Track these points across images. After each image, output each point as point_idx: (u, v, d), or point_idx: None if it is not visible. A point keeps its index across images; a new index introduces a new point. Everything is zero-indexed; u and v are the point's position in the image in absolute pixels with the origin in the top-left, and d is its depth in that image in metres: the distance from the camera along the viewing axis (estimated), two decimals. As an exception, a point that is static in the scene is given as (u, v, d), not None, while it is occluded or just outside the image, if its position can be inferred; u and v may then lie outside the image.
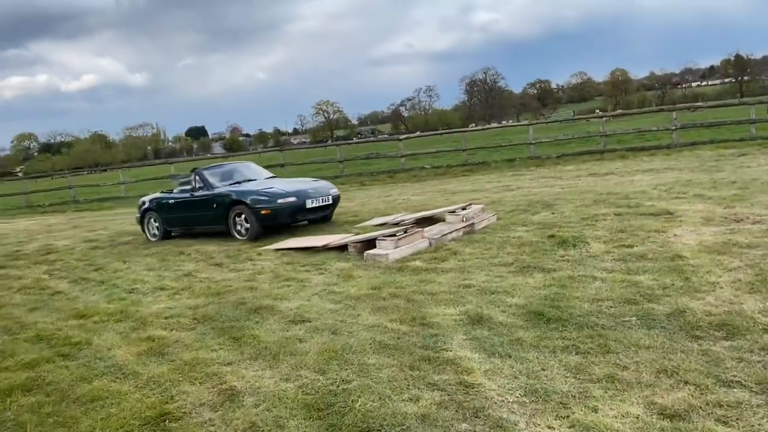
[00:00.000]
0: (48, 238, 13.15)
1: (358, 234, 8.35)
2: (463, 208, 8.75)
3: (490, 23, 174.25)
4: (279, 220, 8.92)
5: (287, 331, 4.85)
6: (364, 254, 7.38)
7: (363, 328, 4.69)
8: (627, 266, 5.71)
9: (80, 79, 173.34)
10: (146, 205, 10.86)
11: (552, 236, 7.31)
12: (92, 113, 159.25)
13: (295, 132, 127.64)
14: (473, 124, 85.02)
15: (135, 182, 22.00)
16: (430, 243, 7.65)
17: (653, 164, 14.18)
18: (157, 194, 11.03)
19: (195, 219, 9.97)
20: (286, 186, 9.35)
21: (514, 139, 20.62)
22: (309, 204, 9.03)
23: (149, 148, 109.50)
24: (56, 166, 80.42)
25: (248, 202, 8.91)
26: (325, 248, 8.04)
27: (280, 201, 8.81)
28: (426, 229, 8.18)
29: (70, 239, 12.40)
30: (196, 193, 9.91)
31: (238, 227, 9.19)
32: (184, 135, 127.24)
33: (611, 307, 4.58)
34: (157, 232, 10.66)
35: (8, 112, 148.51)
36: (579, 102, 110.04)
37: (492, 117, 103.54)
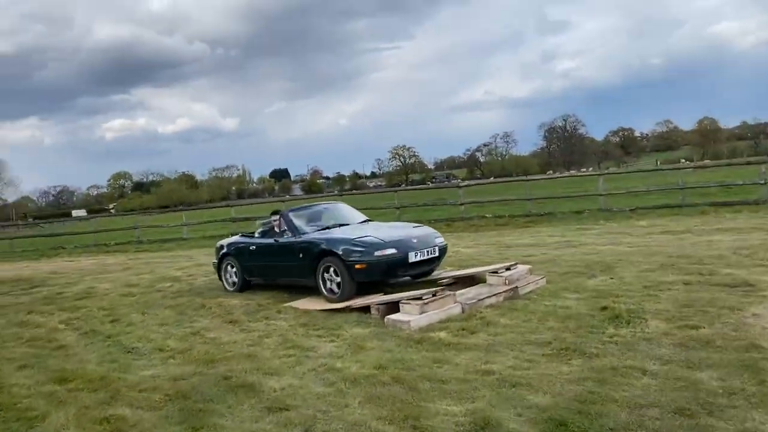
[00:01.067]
0: (94, 281, 12.97)
1: (385, 293, 7.54)
2: (507, 269, 7.80)
3: (571, 70, 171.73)
4: (375, 276, 7.49)
5: (256, 422, 4.07)
6: (385, 319, 6.55)
7: (342, 427, 3.85)
8: (687, 356, 4.65)
9: (176, 123, 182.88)
10: (224, 250, 9.50)
11: (605, 308, 6.28)
12: (185, 154, 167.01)
13: (373, 175, 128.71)
14: (550, 171, 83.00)
15: (197, 224, 22.01)
16: (462, 309, 6.75)
17: (737, 222, 12.71)
18: (236, 237, 9.73)
19: (279, 269, 8.59)
20: (385, 234, 7.77)
21: (590, 189, 19.24)
22: (412, 257, 7.53)
23: (233, 188, 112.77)
24: (144, 204, 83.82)
25: (340, 253, 7.47)
26: (348, 309, 7.26)
27: (377, 253, 7.33)
28: (461, 291, 7.29)
29: (112, 283, 12.15)
30: (281, 239, 8.50)
31: (328, 284, 7.70)
32: (268, 177, 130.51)
33: (656, 419, 3.57)
34: (235, 279, 9.28)
35: (110, 152, 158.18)
36: (664, 151, 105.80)
37: (572, 164, 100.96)
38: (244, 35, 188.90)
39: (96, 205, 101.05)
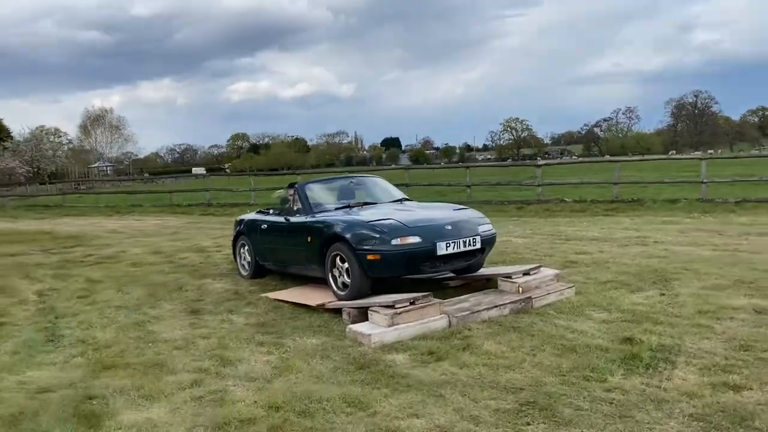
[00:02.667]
0: (134, 244, 12.60)
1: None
2: (527, 273, 6.29)
3: (711, 43, 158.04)
4: (392, 271, 5.91)
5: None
6: (347, 329, 5.31)
7: None
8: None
9: (295, 87, 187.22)
10: (239, 227, 8.19)
11: (628, 340, 4.73)
12: (301, 119, 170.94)
13: (485, 148, 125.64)
14: (673, 151, 76.88)
15: (265, 189, 21.43)
16: (450, 322, 5.37)
17: None
18: (254, 214, 8.29)
19: (287, 254, 7.13)
20: (412, 217, 6.14)
21: (711, 174, 16.47)
22: (442, 248, 5.83)
23: (342, 155, 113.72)
24: (254, 165, 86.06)
25: (349, 238, 5.91)
26: (322, 308, 6.06)
27: (395, 242, 5.69)
28: (455, 299, 5.89)
29: (144, 248, 11.66)
30: (292, 218, 7.04)
31: (337, 277, 6.17)
32: (379, 145, 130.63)
33: None
34: (247, 264, 7.97)
35: (234, 113, 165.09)
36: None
37: (700, 144, 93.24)
38: (366, 2, 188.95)
39: (215, 164, 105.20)
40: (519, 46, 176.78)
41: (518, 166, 29.15)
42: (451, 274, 6.82)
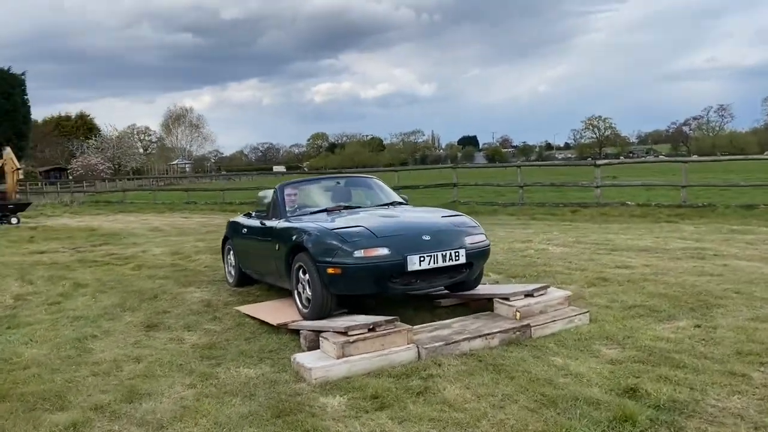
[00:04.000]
0: (162, 243, 12.26)
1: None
2: (530, 294, 5.23)
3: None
4: (356, 288, 5.02)
5: None
6: (291, 359, 4.45)
7: None
8: None
9: (376, 87, 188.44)
10: (227, 230, 7.52)
11: (632, 391, 3.68)
12: (380, 119, 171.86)
13: (566, 147, 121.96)
14: (769, 152, 71.47)
15: None
16: (419, 353, 4.42)
17: None
18: (241, 216, 7.46)
19: (261, 262, 6.37)
20: (384, 224, 5.27)
21: None
22: (414, 263, 4.86)
23: (417, 154, 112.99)
24: (329, 164, 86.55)
25: (310, 248, 5.09)
26: (285, 328, 5.24)
27: (358, 253, 4.84)
28: (432, 325, 4.93)
29: (166, 249, 11.25)
30: (267, 222, 6.23)
31: (301, 292, 5.33)
32: (456, 143, 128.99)
33: None
34: (233, 271, 7.22)
35: (316, 113, 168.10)
36: None
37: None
38: (449, 0, 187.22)
39: (295, 162, 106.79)
40: (606, 42, 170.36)
41: (572, 165, 27.29)
42: (446, 291, 5.84)
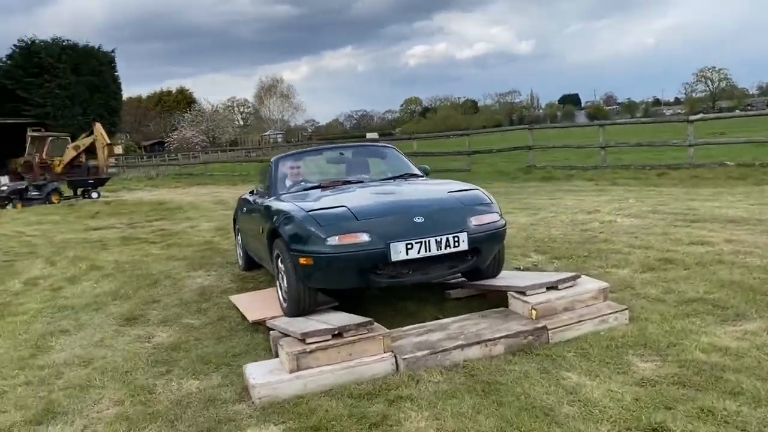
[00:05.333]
0: (215, 218, 11.94)
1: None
2: (553, 287, 4.21)
3: None
4: (331, 281, 4.23)
5: None
6: (244, 368, 3.70)
7: None
8: None
9: (473, 47, 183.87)
10: (236, 208, 6.80)
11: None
12: (476, 80, 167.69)
13: (676, 102, 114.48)
14: None
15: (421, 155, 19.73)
16: (396, 365, 3.57)
17: None
18: (248, 193, 6.49)
19: (256, 246, 5.58)
20: (372, 203, 4.38)
21: None
22: (399, 251, 3.95)
23: (514, 115, 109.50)
24: (420, 129, 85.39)
25: (282, 234, 4.29)
26: (262, 325, 4.51)
27: (331, 241, 3.99)
28: (414, 329, 4.02)
29: (218, 223, 10.95)
30: (259, 200, 5.53)
31: (281, 283, 4.54)
32: (557, 102, 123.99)
33: None
34: (241, 252, 6.57)
35: (410, 78, 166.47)
36: None
37: None
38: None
39: (389, 128, 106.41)
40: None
41: (661, 123, 24.77)
42: (462, 279, 4.89)
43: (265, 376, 3.46)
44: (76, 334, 4.82)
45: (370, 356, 3.60)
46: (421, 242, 3.98)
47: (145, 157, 43.48)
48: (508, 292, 4.28)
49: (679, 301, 4.36)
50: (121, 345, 4.47)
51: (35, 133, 30.83)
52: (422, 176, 5.55)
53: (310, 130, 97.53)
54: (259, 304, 4.96)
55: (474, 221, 4.22)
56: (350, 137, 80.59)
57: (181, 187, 22.05)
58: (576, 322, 3.93)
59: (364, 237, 3.98)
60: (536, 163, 15.57)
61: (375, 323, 3.80)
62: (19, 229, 12.84)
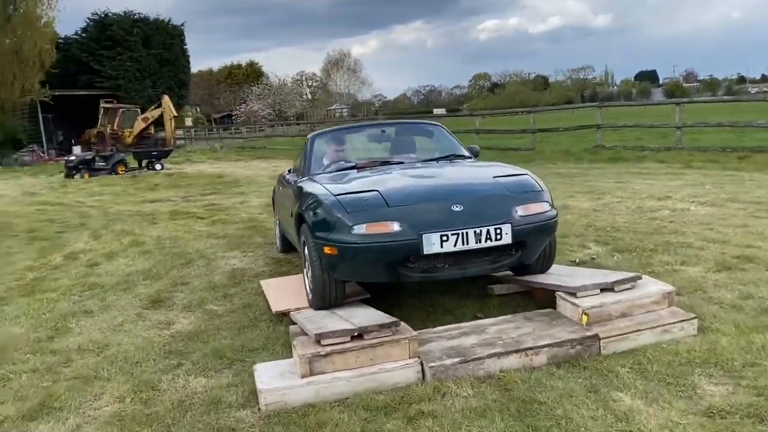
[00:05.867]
0: (268, 194, 11.74)
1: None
2: (609, 288, 3.69)
3: None
4: (360, 274, 3.83)
5: None
6: (254, 368, 3.37)
7: None
8: None
9: (546, 22, 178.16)
10: (275, 186, 6.53)
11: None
12: (549, 55, 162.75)
13: (762, 79, 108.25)
14: None
15: (485, 132, 18.86)
16: (423, 373, 3.16)
17: None
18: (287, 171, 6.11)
19: (287, 229, 5.27)
20: (408, 187, 3.93)
21: None
22: (433, 243, 3.50)
23: (586, 92, 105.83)
24: (487, 105, 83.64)
25: (308, 219, 3.93)
26: (281, 315, 4.19)
27: (358, 229, 3.57)
28: (448, 330, 3.59)
29: (269, 199, 10.68)
30: (293, 179, 5.18)
31: (306, 272, 4.16)
32: (632, 79, 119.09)
33: None
34: (278, 233, 6.22)
35: (480, 53, 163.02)
36: None
37: None
38: None
39: (457, 104, 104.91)
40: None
41: (745, 101, 22.99)
42: (509, 273, 4.40)
43: (274, 381, 3.12)
44: (98, 315, 4.62)
45: (393, 362, 3.21)
46: (458, 234, 3.52)
47: (215, 129, 44.13)
48: (557, 293, 3.78)
49: (759, 310, 3.77)
50: (139, 331, 4.23)
51: (107, 105, 31.73)
52: (470, 158, 5.06)
53: (377, 105, 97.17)
54: (288, 292, 4.63)
55: (520, 211, 3.72)
56: (417, 113, 79.63)
57: (242, 161, 22.11)
58: (633, 332, 3.41)
59: (395, 226, 3.56)
60: (604, 143, 14.69)
61: (402, 324, 3.39)
62: (79, 200, 13.03)
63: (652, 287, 3.74)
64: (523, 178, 4.07)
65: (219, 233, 7.52)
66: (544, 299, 4.02)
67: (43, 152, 30.01)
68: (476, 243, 3.54)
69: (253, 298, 4.75)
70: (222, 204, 10.57)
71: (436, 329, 3.63)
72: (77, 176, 18.46)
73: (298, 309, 4.09)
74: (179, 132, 34.76)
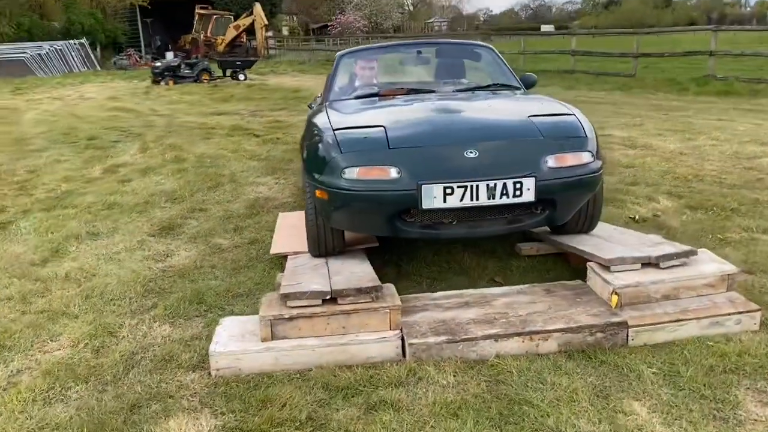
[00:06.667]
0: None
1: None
2: (653, 263, 3.00)
3: None
4: (352, 224, 3.31)
5: None
6: (219, 322, 2.98)
7: None
8: None
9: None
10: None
11: None
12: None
13: None
14: None
15: (534, 53, 17.66)
16: (403, 349, 2.69)
17: None
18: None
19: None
20: (415, 122, 3.40)
21: None
22: (431, 196, 2.89)
23: (713, 13, 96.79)
24: (599, 23, 78.34)
25: (304, 157, 3.52)
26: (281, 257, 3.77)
27: (349, 173, 3.01)
28: (456, 295, 3.04)
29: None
30: (314, 105, 4.79)
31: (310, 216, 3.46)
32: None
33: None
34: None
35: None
36: None
37: None
38: None
39: (567, 21, 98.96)
40: None
41: None
42: (546, 228, 3.76)
43: (231, 342, 2.73)
44: (102, 240, 4.39)
45: (369, 333, 2.73)
46: (467, 186, 2.90)
47: (313, 41, 43.62)
48: (588, 263, 3.13)
49: None
50: (132, 262, 3.95)
51: (202, 11, 31.77)
52: (519, 89, 4.32)
53: (482, 19, 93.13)
54: (301, 230, 4.18)
55: (551, 162, 3.04)
56: (521, 30, 75.61)
57: (325, 74, 21.60)
58: (674, 321, 2.76)
59: (393, 172, 2.99)
60: (716, 73, 13.10)
61: (388, 289, 2.89)
62: (153, 107, 13.07)
63: (707, 266, 3.02)
64: (567, 119, 3.35)
65: (263, 154, 7.16)
66: (581, 265, 3.36)
67: (140, 57, 30.67)
68: (489, 199, 2.92)
69: (263, 234, 4.36)
70: (285, 121, 10.20)
71: (435, 295, 3.11)
72: (162, 83, 18.63)
73: (297, 253, 3.65)
74: (271, 42, 34.52)
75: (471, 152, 3.02)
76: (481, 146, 3.05)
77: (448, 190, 2.90)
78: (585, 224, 3.49)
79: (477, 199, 2.91)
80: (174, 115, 11.50)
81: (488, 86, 4.27)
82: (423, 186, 2.90)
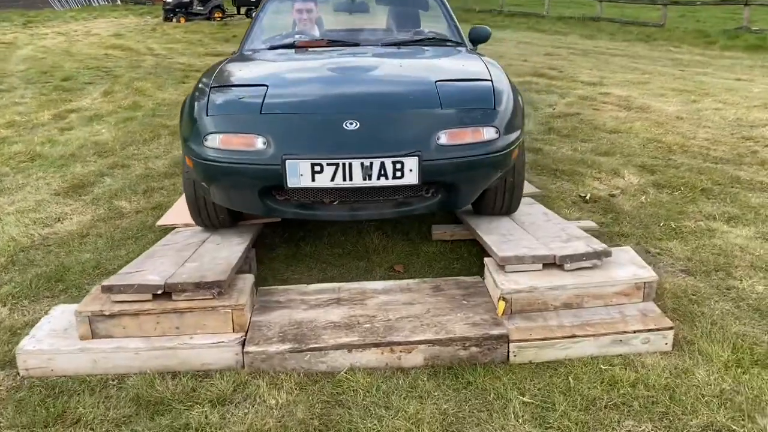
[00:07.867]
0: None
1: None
2: (557, 263, 2.53)
3: None
4: (221, 197, 2.74)
5: None
6: (51, 310, 2.63)
7: None
8: None
9: None
10: None
11: None
12: None
13: None
14: None
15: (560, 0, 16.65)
16: (242, 359, 2.30)
17: None
18: None
19: None
20: (305, 82, 2.96)
21: None
22: (297, 173, 2.45)
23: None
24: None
25: (180, 113, 3.04)
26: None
27: (212, 141, 2.58)
28: (332, 289, 2.62)
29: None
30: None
31: None
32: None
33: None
34: None
35: None
36: None
37: None
38: None
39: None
40: None
41: None
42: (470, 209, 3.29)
43: (47, 338, 2.37)
44: (2, 197, 4.05)
45: (205, 336, 2.34)
46: (338, 164, 2.45)
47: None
48: (484, 258, 2.67)
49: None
50: (16, 227, 3.60)
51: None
52: (463, 45, 3.77)
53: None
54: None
55: (444, 138, 2.55)
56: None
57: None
58: (568, 337, 2.30)
59: (258, 143, 2.55)
60: (751, 25, 12.07)
61: (245, 280, 2.50)
62: (151, 46, 12.67)
63: (622, 271, 2.53)
64: (479, 85, 2.82)
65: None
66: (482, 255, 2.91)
67: (161, -9, 30.05)
68: (364, 180, 2.46)
69: (173, 198, 3.97)
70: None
71: (307, 288, 2.70)
72: (173, 20, 18.14)
73: (187, 225, 3.26)
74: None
75: (351, 123, 2.55)
76: (365, 117, 2.58)
77: (317, 168, 2.45)
78: (502, 206, 3.01)
79: (351, 179, 2.46)
80: (168, 56, 11.11)
81: (421, 40, 3.73)
82: (287, 161, 2.46)
